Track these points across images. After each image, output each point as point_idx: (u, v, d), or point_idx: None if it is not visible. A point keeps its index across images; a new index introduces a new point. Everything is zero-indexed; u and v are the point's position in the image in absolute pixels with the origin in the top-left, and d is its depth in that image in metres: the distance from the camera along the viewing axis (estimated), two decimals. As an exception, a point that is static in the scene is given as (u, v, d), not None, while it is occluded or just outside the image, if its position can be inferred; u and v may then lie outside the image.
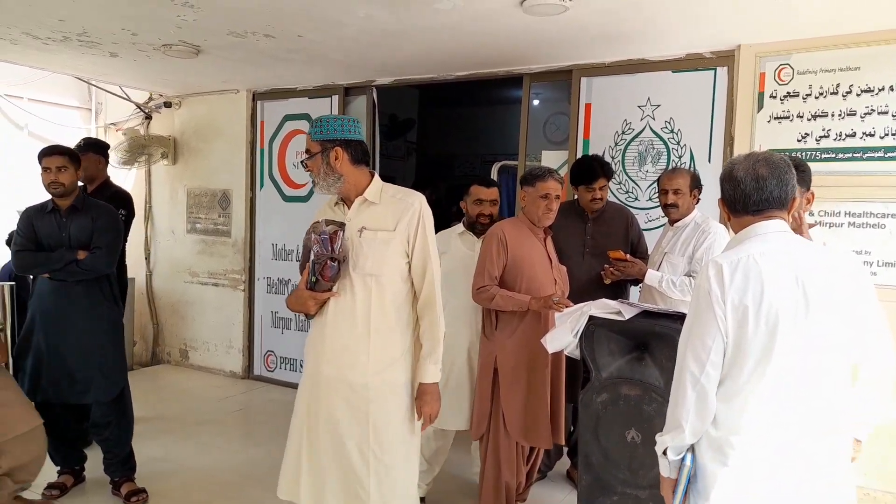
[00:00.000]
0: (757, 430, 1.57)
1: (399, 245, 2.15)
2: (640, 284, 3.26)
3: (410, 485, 2.23)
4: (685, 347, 1.65)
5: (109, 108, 6.12)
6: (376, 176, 2.24)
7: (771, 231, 1.64)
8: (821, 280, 1.58)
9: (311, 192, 5.13)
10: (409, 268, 2.19)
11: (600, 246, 3.29)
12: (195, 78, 4.92)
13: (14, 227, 3.29)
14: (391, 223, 2.15)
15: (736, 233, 1.72)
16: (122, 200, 3.95)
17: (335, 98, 4.95)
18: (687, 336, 1.66)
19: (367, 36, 3.60)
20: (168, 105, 5.68)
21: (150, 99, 5.78)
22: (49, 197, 3.14)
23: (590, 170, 3.28)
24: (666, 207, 3.13)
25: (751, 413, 1.57)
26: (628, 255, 3.12)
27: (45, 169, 3.08)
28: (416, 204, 2.18)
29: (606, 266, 3.19)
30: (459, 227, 3.20)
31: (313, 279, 2.10)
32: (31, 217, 3.14)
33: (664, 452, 1.69)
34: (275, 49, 3.95)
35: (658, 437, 1.72)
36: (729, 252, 1.66)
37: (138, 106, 5.77)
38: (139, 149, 5.59)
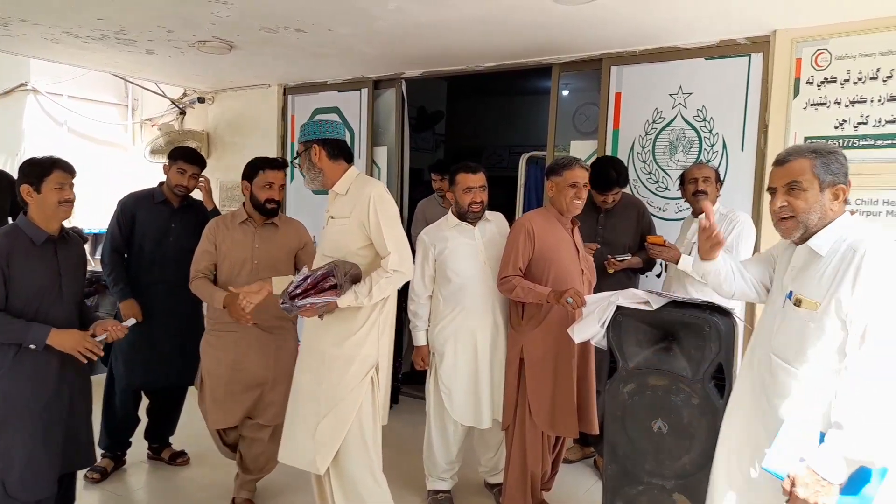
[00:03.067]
0: None
1: (355, 229, 2.42)
2: (661, 273, 3.30)
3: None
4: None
5: (145, 104, 6.28)
6: (350, 169, 2.53)
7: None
8: None
9: (341, 185, 5.18)
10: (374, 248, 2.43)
11: (612, 237, 3.37)
12: (228, 73, 5.01)
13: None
14: (348, 210, 2.44)
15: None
16: None
17: (364, 91, 4.99)
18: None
19: (396, 29, 3.62)
20: (202, 100, 5.79)
21: (185, 94, 5.90)
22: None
23: (605, 178, 3.30)
24: (696, 195, 3.16)
25: None
26: (666, 241, 3.11)
27: (180, 170, 3.37)
28: (368, 191, 2.43)
29: (609, 256, 3.25)
30: (452, 219, 3.05)
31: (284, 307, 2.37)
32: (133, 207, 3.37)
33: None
34: (305, 43, 4.00)
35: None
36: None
37: (173, 101, 5.90)
38: (174, 143, 5.71)
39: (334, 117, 5.16)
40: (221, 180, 5.81)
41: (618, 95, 3.96)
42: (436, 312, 3.05)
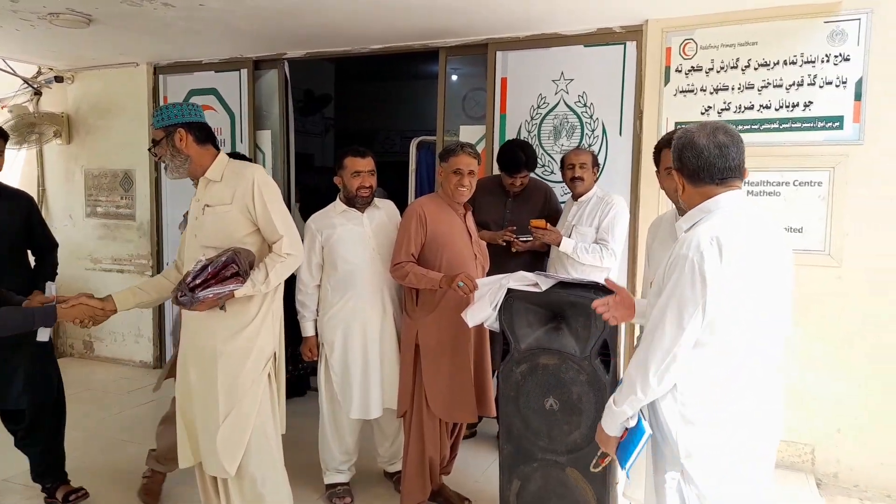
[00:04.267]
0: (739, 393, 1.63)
1: (238, 215, 2.29)
2: (549, 254, 3.41)
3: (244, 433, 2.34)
4: (663, 316, 1.59)
5: (-8, 83, 5.61)
6: (220, 154, 2.38)
7: (739, 202, 1.65)
8: (788, 254, 1.68)
9: (222, 172, 4.91)
10: (260, 234, 2.34)
11: (519, 221, 3.40)
12: (89, 50, 4.57)
13: None
14: (228, 197, 2.30)
15: (691, 203, 1.70)
16: None
17: (244, 72, 4.74)
18: (665, 304, 1.59)
19: (275, 4, 3.44)
20: (59, 80, 5.26)
21: (39, 73, 5.34)
22: None
23: (513, 161, 3.36)
24: (573, 181, 3.31)
25: (733, 378, 1.62)
26: (548, 224, 3.24)
27: None
28: (250, 175, 2.31)
29: (514, 237, 3.31)
30: (339, 206, 2.98)
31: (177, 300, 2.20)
32: None
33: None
34: (175, 19, 3.71)
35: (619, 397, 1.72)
36: (712, 224, 1.59)
37: (25, 80, 5.31)
38: (28, 127, 5.15)
39: (212, 99, 4.87)
40: (86, 167, 5.34)
41: (503, 80, 4.02)
42: (324, 301, 2.97)
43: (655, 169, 2.44)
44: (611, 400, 1.75)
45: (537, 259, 3.47)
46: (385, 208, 3.08)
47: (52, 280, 2.87)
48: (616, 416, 1.72)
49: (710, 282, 1.53)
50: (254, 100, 4.75)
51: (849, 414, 3.26)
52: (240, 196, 2.28)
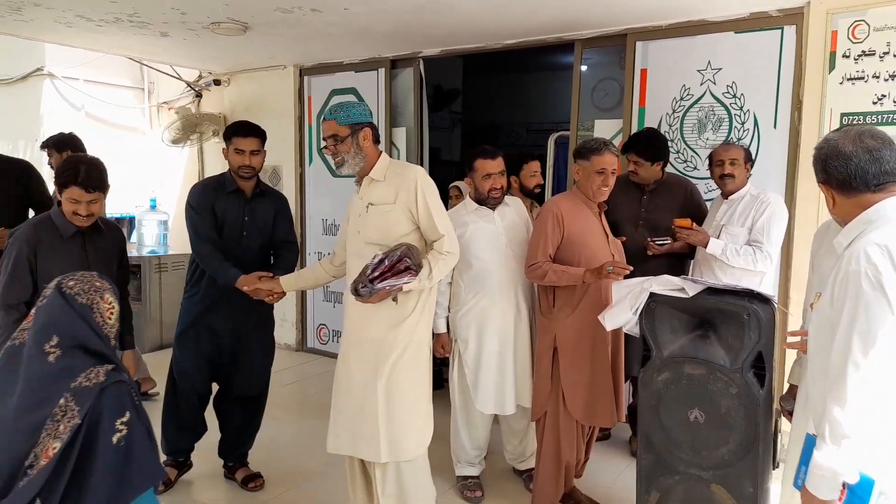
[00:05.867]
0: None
1: (401, 214, 2.37)
2: (694, 256, 3.20)
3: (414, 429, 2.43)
4: (849, 343, 1.44)
5: (161, 88, 6.23)
6: (384, 154, 2.48)
7: None
8: None
9: (359, 167, 5.12)
10: (420, 232, 2.41)
11: (655, 219, 3.24)
12: (243, 55, 4.94)
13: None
14: (392, 197, 2.38)
15: (847, 217, 1.56)
16: None
17: (381, 71, 4.90)
18: (849, 329, 1.45)
19: (408, 5, 3.52)
20: (217, 83, 5.73)
21: (200, 77, 5.84)
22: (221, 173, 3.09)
23: (649, 146, 3.23)
24: (723, 178, 3.08)
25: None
26: (693, 224, 3.04)
27: (237, 150, 2.94)
28: (412, 176, 2.39)
29: (649, 239, 3.15)
30: (470, 204, 2.99)
31: (357, 292, 2.29)
32: (210, 196, 2.97)
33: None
34: (321, 23, 3.91)
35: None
36: (878, 234, 1.46)
37: (189, 84, 5.85)
38: (191, 127, 5.67)
39: (352, 98, 5.09)
40: (239, 164, 5.78)
41: (643, 72, 3.85)
42: (457, 298, 3.01)
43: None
44: (814, 460, 1.49)
45: (678, 261, 3.29)
46: (514, 206, 3.08)
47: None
48: (829, 477, 1.45)
49: (891, 293, 1.38)
50: (390, 97, 4.91)
51: None
52: (403, 196, 2.36)
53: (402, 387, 2.38)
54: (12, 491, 1.49)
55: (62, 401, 1.56)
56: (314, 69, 5.28)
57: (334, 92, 5.19)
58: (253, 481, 3.15)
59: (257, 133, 3.00)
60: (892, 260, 1.39)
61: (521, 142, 7.95)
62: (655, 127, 3.78)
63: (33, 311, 1.68)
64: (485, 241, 2.94)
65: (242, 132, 2.98)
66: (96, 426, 1.56)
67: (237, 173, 2.99)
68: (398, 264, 2.24)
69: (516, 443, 3.18)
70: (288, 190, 5.48)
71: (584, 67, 4.20)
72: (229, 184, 3.01)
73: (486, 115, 8.01)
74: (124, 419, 1.60)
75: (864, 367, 1.41)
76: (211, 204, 2.97)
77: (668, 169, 3.41)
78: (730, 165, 3.05)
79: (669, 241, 3.14)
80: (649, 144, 3.24)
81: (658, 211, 3.26)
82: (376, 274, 2.23)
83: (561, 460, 2.70)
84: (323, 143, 2.48)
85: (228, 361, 3.08)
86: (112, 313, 1.72)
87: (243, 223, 3.02)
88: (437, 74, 6.43)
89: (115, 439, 1.57)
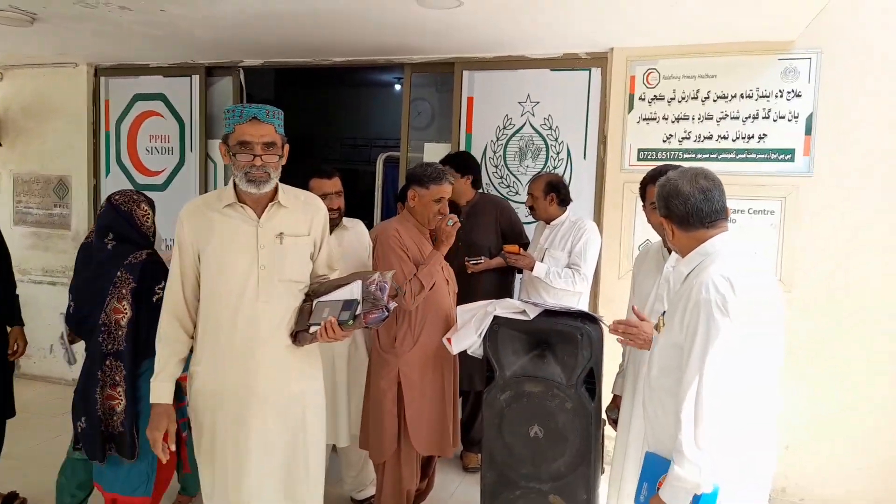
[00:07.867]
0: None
1: (309, 248, 2.17)
2: (521, 277, 3.44)
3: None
4: (702, 362, 1.59)
5: None
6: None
7: (732, 242, 1.71)
8: (778, 288, 1.77)
9: (167, 181, 4.68)
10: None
11: (470, 239, 3.43)
12: (24, 47, 4.26)
13: None
14: (304, 228, 2.15)
15: (684, 248, 1.75)
16: None
17: (195, 78, 4.54)
18: (702, 350, 1.59)
19: (240, 16, 3.31)
20: (-14, 76, 4.88)
21: (-38, 68, 4.93)
22: None
23: (457, 158, 3.55)
24: (529, 208, 3.46)
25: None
26: (520, 249, 3.29)
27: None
28: (319, 206, 2.22)
29: (466, 259, 3.35)
30: None
31: (349, 320, 1.98)
32: None
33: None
34: (131, 22, 3.51)
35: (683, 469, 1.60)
36: (717, 266, 1.64)
37: (-55, 75, 4.90)
38: (-51, 126, 4.75)
39: (159, 105, 4.65)
40: (15, 172, 4.97)
41: (470, 100, 4.03)
42: None
43: (642, 203, 2.50)
44: (674, 473, 1.60)
45: (504, 279, 3.50)
46: (354, 229, 3.01)
47: None
48: (689, 489, 1.59)
49: (735, 318, 1.58)
50: (205, 107, 4.56)
51: (796, 431, 3.44)
52: (315, 228, 2.17)
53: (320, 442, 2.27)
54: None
55: (119, 273, 2.37)
56: (113, 70, 4.72)
57: (138, 97, 4.69)
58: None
59: None
60: (733, 289, 1.60)
61: (336, 155, 7.90)
62: (481, 153, 3.98)
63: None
64: None
65: None
66: (145, 289, 2.39)
67: None
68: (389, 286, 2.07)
69: (353, 475, 3.11)
70: (79, 204, 4.83)
71: (397, 87, 4.26)
72: None
73: (300, 126, 7.82)
74: (160, 286, 2.36)
75: (716, 384, 1.59)
76: None
77: (492, 191, 3.60)
78: (531, 198, 3.42)
79: (483, 260, 3.35)
80: (458, 157, 3.56)
81: (473, 231, 3.46)
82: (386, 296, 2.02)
83: (402, 490, 2.66)
84: (241, 150, 1.99)
85: None
86: (147, 217, 2.51)
87: None
88: (248, 84, 6.12)
89: (154, 299, 2.38)
